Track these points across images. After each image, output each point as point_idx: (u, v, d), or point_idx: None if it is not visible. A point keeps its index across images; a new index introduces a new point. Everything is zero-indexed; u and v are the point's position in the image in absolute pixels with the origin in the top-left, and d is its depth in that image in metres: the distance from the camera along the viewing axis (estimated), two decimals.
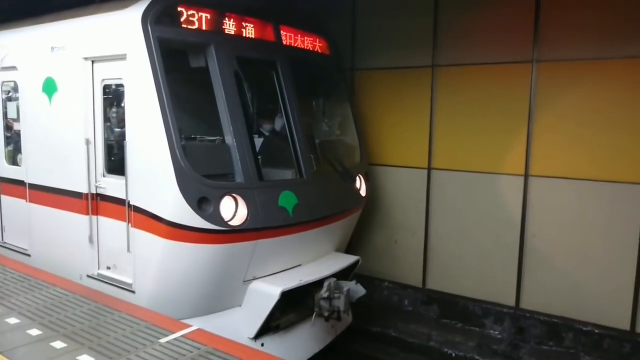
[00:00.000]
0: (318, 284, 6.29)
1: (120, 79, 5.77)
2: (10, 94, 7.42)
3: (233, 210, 5.57)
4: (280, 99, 6.61)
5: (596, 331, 7.10)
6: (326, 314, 6.31)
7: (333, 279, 6.46)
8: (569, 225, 7.21)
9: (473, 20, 7.66)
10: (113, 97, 6.04)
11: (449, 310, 8.28)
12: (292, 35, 6.92)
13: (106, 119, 6.07)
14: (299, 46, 7.03)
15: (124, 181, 5.76)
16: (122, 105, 5.79)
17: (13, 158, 7.47)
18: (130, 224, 5.71)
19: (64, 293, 5.46)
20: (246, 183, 5.73)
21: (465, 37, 7.76)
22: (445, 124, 8.07)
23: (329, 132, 7.56)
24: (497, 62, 7.51)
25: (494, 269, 7.85)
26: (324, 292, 6.28)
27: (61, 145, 6.42)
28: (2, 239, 7.71)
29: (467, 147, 7.90)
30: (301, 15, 7.25)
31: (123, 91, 5.74)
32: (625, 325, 6.92)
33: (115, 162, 6.08)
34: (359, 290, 6.55)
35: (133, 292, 5.79)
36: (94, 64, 6.03)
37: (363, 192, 7.67)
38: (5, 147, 7.53)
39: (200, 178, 5.37)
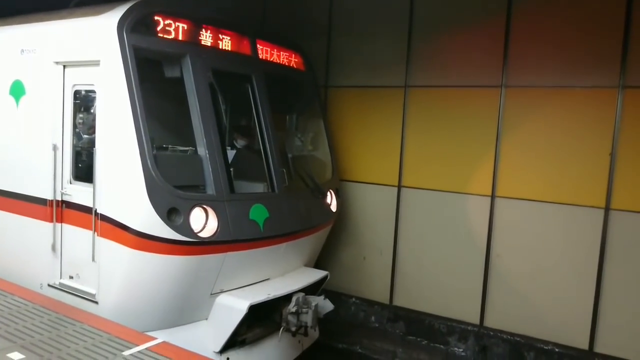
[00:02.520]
0: (286, 298, 6.27)
1: (92, 85, 5.69)
2: None
3: (203, 222, 5.53)
4: (254, 112, 6.62)
5: (556, 350, 7.27)
6: (293, 329, 6.28)
7: (301, 294, 6.44)
8: (533, 246, 7.39)
9: (446, 45, 7.89)
10: (84, 103, 5.94)
11: (414, 327, 8.36)
12: (268, 49, 6.97)
13: (75, 125, 5.95)
14: (274, 61, 7.08)
15: (92, 189, 5.65)
16: (93, 111, 5.70)
17: None
18: (96, 233, 5.59)
19: (23, 302, 5.28)
20: (217, 195, 5.70)
21: (437, 61, 7.97)
22: (416, 143, 8.23)
23: (302, 147, 7.59)
24: (468, 85, 7.73)
25: (459, 288, 7.98)
26: (292, 307, 6.25)
27: (26, 150, 6.26)
28: None
29: (436, 166, 8.06)
30: (277, 30, 7.31)
31: (94, 97, 5.66)
32: (584, 345, 7.11)
33: (83, 169, 5.96)
34: (327, 305, 6.55)
35: (96, 302, 5.64)
36: (66, 69, 5.93)
37: (334, 208, 7.71)
38: None
39: (171, 188, 5.32)
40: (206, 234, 5.51)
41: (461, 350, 7.95)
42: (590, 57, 6.88)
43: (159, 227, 5.21)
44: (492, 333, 7.74)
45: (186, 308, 5.81)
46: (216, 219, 5.59)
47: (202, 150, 5.74)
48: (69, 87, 5.92)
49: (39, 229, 6.13)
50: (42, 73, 6.05)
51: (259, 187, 6.48)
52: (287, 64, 7.33)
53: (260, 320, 6.29)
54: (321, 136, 7.96)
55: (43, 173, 6.05)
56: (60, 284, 6.08)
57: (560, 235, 7.20)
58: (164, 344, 4.65)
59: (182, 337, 5.65)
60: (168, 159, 5.54)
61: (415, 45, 8.14)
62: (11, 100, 6.38)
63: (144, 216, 5.19)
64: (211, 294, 5.93)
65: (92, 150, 5.60)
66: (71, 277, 6.03)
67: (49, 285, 6.12)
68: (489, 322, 7.81)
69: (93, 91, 5.69)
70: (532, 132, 7.32)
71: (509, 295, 7.61)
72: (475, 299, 7.84)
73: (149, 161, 5.18)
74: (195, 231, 5.43)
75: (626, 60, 6.66)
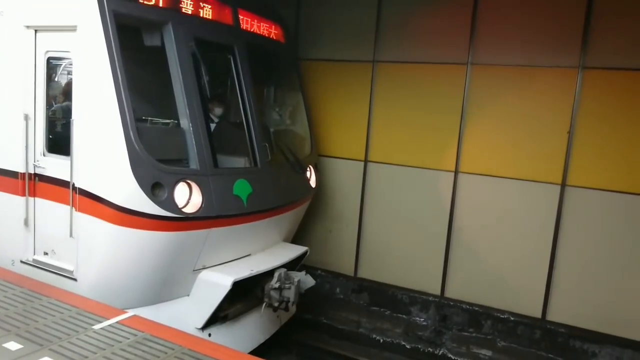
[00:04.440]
0: (268, 274, 6.24)
1: (67, 52, 5.38)
2: None
3: (187, 197, 5.39)
4: (237, 84, 6.44)
5: (512, 319, 7.70)
6: (276, 304, 6.28)
7: (283, 270, 6.43)
8: (492, 220, 7.71)
9: (414, 21, 7.96)
10: (57, 70, 5.63)
11: (378, 298, 8.61)
12: (250, 20, 6.76)
13: (48, 94, 5.64)
14: (256, 32, 6.88)
15: (68, 162, 5.40)
16: (69, 80, 5.41)
17: None
18: (74, 208, 5.36)
19: None
20: (201, 170, 5.56)
21: (405, 37, 8.03)
22: (382, 118, 8.33)
23: (281, 122, 7.47)
24: (435, 62, 7.83)
25: (422, 260, 8.27)
26: (274, 283, 6.24)
27: None
28: None
29: (402, 142, 8.20)
30: (258, 0, 7.08)
31: (70, 65, 5.36)
32: (538, 313, 7.54)
33: (58, 141, 5.68)
34: (308, 281, 6.57)
35: (75, 279, 5.46)
36: (37, 34, 5.58)
37: (313, 183, 7.67)
38: None
39: (155, 162, 5.14)
40: (190, 209, 5.37)
41: (422, 320, 8.29)
42: (553, 37, 7.07)
43: (142, 202, 5.04)
44: (452, 303, 8.08)
45: (168, 285, 5.70)
46: (200, 194, 5.46)
47: (185, 123, 5.56)
48: (41, 53, 5.58)
49: (10, 204, 5.84)
50: (10, 37, 5.67)
51: (241, 162, 6.35)
52: (267, 35, 7.15)
53: (241, 296, 6.25)
54: (300, 110, 7.86)
55: (13, 144, 5.74)
56: (35, 260, 5.84)
57: (518, 210, 7.51)
58: (135, 317, 4.56)
59: (163, 314, 5.56)
60: (150, 131, 5.34)
61: (385, 18, 8.15)
62: None
63: (126, 191, 5.00)
64: (193, 270, 5.83)
65: (68, 121, 5.34)
66: (46, 254, 5.80)
67: (21, 261, 5.87)
68: (450, 293, 8.15)
69: (68, 58, 5.38)
70: (495, 109, 7.52)
71: (468, 268, 7.94)
72: (437, 271, 8.16)
73: (132, 133, 4.97)
74: (180, 206, 5.29)
75: (587, 41, 6.84)
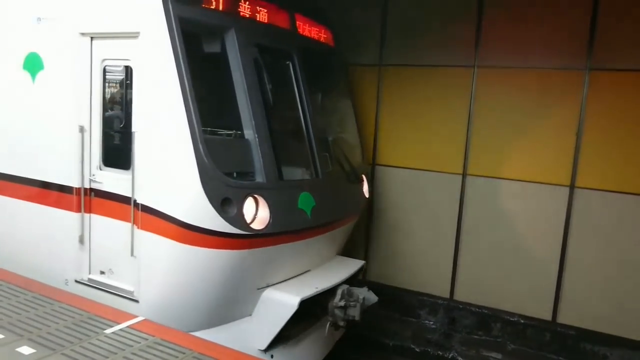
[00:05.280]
0: (328, 290, 5.92)
1: (127, 60, 5.08)
2: None
3: (254, 212, 5.07)
4: (296, 91, 6.13)
5: (522, 321, 7.55)
6: (342, 323, 5.95)
7: (346, 286, 6.11)
8: (501, 222, 7.59)
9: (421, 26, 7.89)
10: (116, 80, 5.33)
11: (388, 301, 8.22)
12: (305, 24, 6.44)
13: (105, 105, 5.34)
14: (311, 36, 6.57)
15: (128, 176, 5.10)
16: (128, 90, 5.10)
17: None
18: (136, 225, 5.06)
19: None
20: (268, 183, 5.24)
21: (412, 39, 7.93)
22: (390, 121, 8.19)
23: (336, 130, 7.13)
24: (443, 65, 7.71)
25: (431, 263, 8.11)
26: (339, 300, 5.92)
27: (46, 132, 5.61)
28: None
29: (410, 144, 8.08)
30: (310, 3, 6.77)
31: (130, 74, 5.06)
32: (548, 316, 7.41)
33: (115, 154, 5.39)
34: (371, 297, 6.23)
35: (136, 301, 5.15)
36: (93, 41, 5.28)
37: (366, 194, 7.34)
38: None
39: (223, 177, 4.84)
40: (258, 225, 5.06)
41: (431, 322, 8.16)
42: (560, 39, 6.99)
43: (211, 220, 4.73)
44: (460, 306, 7.98)
45: (231, 305, 5.38)
46: (267, 209, 5.14)
47: (249, 133, 5.25)
48: (98, 61, 5.28)
49: (64, 220, 5.54)
50: (64, 45, 5.38)
51: (303, 173, 6.03)
52: (320, 39, 6.83)
53: (302, 315, 5.92)
54: (350, 117, 7.52)
55: (67, 158, 5.44)
56: (90, 279, 5.54)
57: (526, 212, 7.41)
58: (145, 321, 4.58)
59: (224, 335, 5.27)
60: (216, 143, 5.01)
61: (391, 19, 8.08)
62: (25, 75, 5.68)
63: (195, 207, 4.70)
64: (257, 289, 5.51)
65: (128, 133, 5.04)
66: (102, 273, 5.50)
67: (76, 281, 5.57)
68: (459, 296, 8.01)
69: (128, 67, 5.08)
70: (502, 111, 7.43)
71: (477, 270, 7.80)
72: (446, 273, 8.03)
73: (200, 146, 4.67)
74: (248, 222, 4.97)
75: (593, 43, 6.75)
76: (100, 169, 5.39)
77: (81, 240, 5.50)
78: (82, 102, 5.34)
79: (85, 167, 5.40)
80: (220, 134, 5.23)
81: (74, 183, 5.43)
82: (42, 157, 5.65)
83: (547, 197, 7.22)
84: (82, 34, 5.27)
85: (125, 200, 5.18)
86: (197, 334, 5.08)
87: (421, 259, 8.17)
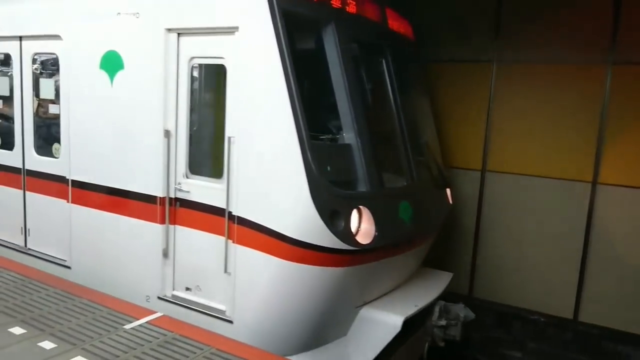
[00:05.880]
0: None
1: (220, 58, 4.62)
2: (46, 69, 6.07)
3: (357, 224, 4.60)
4: (390, 91, 5.64)
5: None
6: (441, 343, 5.46)
7: (442, 303, 5.63)
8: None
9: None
10: (205, 80, 4.90)
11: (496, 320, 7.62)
12: (395, 17, 5.94)
13: (193, 107, 4.90)
14: (399, 31, 6.06)
15: (220, 186, 4.67)
16: (220, 90, 4.66)
17: (46, 148, 6.11)
18: (230, 240, 4.62)
19: (19, 278, 5.27)
20: (373, 192, 4.76)
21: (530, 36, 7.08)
22: (505, 124, 7.30)
23: (424, 131, 6.61)
24: (571, 62, 6.85)
25: (551, 280, 7.27)
26: (438, 319, 5.44)
27: (126, 136, 5.19)
28: (25, 245, 6.36)
29: (525, 149, 7.21)
30: None
31: (224, 74, 4.61)
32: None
33: (204, 161, 4.97)
34: (470, 314, 5.73)
35: (229, 321, 4.71)
36: (181, 38, 4.83)
37: (450, 200, 6.82)
38: (35, 133, 6.15)
39: (331, 187, 4.37)
40: (364, 239, 4.58)
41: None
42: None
43: (320, 235, 4.28)
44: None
45: (329, 325, 4.92)
46: (372, 221, 4.66)
47: (351, 138, 4.77)
48: (185, 60, 4.83)
49: (145, 232, 5.12)
50: (147, 43, 4.95)
51: (400, 180, 5.53)
52: (405, 33, 6.31)
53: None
54: (431, 117, 7.00)
55: (150, 165, 5.02)
56: (174, 296, 5.12)
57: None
58: (164, 317, 4.60)
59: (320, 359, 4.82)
60: (324, 150, 4.53)
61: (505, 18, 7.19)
62: (103, 75, 5.27)
63: (303, 222, 4.24)
64: (355, 308, 5.05)
65: (220, 138, 4.61)
66: (188, 289, 5.07)
67: (158, 297, 5.15)
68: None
69: (221, 66, 4.63)
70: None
71: (608, 284, 6.96)
72: (570, 291, 7.17)
73: (309, 154, 4.20)
74: (355, 237, 4.50)
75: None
76: (187, 177, 4.95)
77: (165, 254, 5.08)
78: (167, 105, 4.91)
79: (170, 175, 4.97)
80: (322, 139, 4.75)
81: (158, 192, 5.00)
82: (123, 165, 5.23)
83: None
84: (168, 30, 4.83)
85: (216, 211, 4.74)
86: (293, 358, 4.66)
87: (540, 276, 7.26)
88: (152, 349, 4.02)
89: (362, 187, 4.76)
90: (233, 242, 4.61)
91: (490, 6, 7.17)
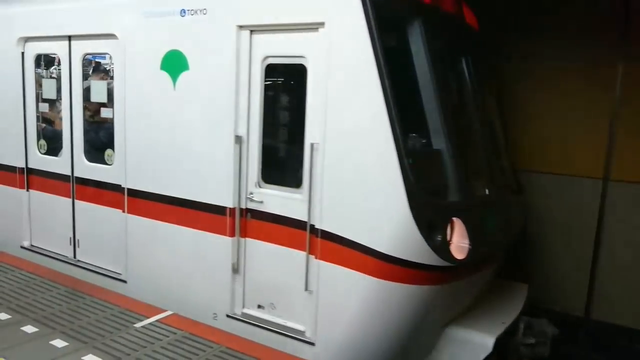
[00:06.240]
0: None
1: (301, 57, 4.24)
2: (96, 70, 5.73)
3: (452, 237, 4.20)
4: (471, 91, 5.24)
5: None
6: None
7: (526, 318, 5.23)
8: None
9: None
10: (280, 81, 4.52)
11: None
12: (468, 10, 5.52)
13: (267, 110, 4.52)
14: (472, 24, 5.63)
15: (299, 196, 4.30)
16: (301, 93, 4.27)
17: (95, 154, 5.75)
18: (312, 255, 4.24)
19: (30, 277, 5.45)
20: (465, 201, 4.37)
21: None
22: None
23: (498, 133, 6.18)
24: None
25: None
26: (524, 336, 5.03)
27: (191, 142, 4.82)
28: (74, 256, 6.01)
29: None
30: None
31: (304, 74, 4.22)
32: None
33: (279, 169, 4.59)
34: (554, 331, 5.32)
35: (311, 343, 4.33)
36: (253, 35, 4.45)
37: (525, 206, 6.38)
38: (84, 139, 5.79)
39: (429, 198, 3.98)
40: (459, 253, 4.18)
41: None
42: None
43: (418, 250, 3.88)
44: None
45: (414, 346, 4.54)
46: (466, 233, 4.26)
47: (441, 142, 4.37)
48: (258, 59, 4.45)
49: (213, 245, 4.76)
50: (216, 41, 4.57)
51: (483, 187, 5.12)
52: (475, 26, 5.88)
53: None
54: (499, 117, 6.56)
55: (220, 174, 4.64)
56: (245, 314, 4.75)
57: None
58: (174, 315, 4.71)
59: None
60: (417, 156, 4.13)
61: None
62: (164, 77, 4.90)
63: (401, 236, 3.85)
64: (440, 327, 4.67)
65: (298, 144, 4.24)
66: (260, 307, 4.70)
67: (227, 315, 4.79)
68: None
69: (301, 65, 4.24)
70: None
71: None
72: None
73: (406, 162, 3.81)
74: (452, 251, 4.11)
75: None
76: (260, 187, 4.57)
77: (235, 269, 4.71)
78: (238, 108, 4.53)
79: (242, 184, 4.60)
80: (416, 145, 4.34)
81: (228, 202, 4.63)
82: (187, 173, 4.87)
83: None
84: (240, 26, 4.45)
85: (294, 223, 4.37)
86: None
87: None
88: (162, 347, 4.12)
89: (454, 197, 4.36)
90: (315, 257, 4.23)
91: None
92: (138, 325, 4.46)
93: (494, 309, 5.22)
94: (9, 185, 6.43)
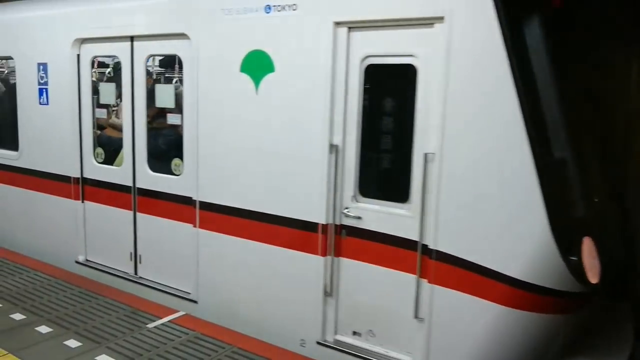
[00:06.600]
0: None
1: (410, 56, 3.77)
2: (159, 72, 5.31)
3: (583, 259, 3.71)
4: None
5: None
6: None
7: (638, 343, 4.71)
8: None
9: None
10: (383, 83, 4.07)
11: None
12: None
13: (366, 115, 4.06)
14: None
15: (409, 213, 3.84)
16: (411, 97, 3.80)
17: (160, 163, 5.34)
18: (424, 279, 3.77)
19: (45, 277, 5.55)
20: (591, 218, 3.87)
21: None
22: None
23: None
24: None
25: None
26: None
27: (276, 152, 4.37)
28: (135, 272, 5.60)
29: None
30: None
31: (414, 75, 3.75)
32: None
33: (381, 182, 4.13)
34: None
35: None
36: (351, 33, 4.00)
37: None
38: (147, 147, 5.38)
39: (565, 215, 3.50)
40: (593, 277, 3.68)
41: None
42: None
43: (556, 275, 3.41)
44: None
45: None
46: (598, 254, 3.76)
47: (565, 152, 3.87)
48: (357, 59, 3.99)
49: (302, 266, 4.31)
50: (307, 40, 4.13)
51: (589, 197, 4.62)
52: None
53: None
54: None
55: (311, 187, 4.19)
56: (337, 341, 4.30)
57: None
58: (186, 316, 4.76)
59: None
60: (552, 168, 3.64)
61: None
62: (245, 80, 4.46)
63: (538, 260, 3.37)
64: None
65: (406, 154, 3.78)
66: (356, 334, 4.24)
67: (317, 342, 4.33)
68: None
69: (409, 66, 3.78)
70: None
71: None
72: None
73: (545, 175, 3.34)
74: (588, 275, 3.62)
75: None
76: (357, 201, 4.12)
77: (327, 292, 4.25)
78: (334, 114, 4.08)
79: (337, 198, 4.14)
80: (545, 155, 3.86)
81: (320, 218, 4.18)
82: (271, 185, 4.42)
83: None
84: (337, 23, 4.00)
85: (399, 243, 3.91)
86: None
87: None
88: (174, 347, 4.17)
89: (581, 212, 3.87)
90: (428, 281, 3.77)
91: None
92: (150, 325, 4.52)
93: (604, 334, 4.73)
94: (62, 196, 6.04)
